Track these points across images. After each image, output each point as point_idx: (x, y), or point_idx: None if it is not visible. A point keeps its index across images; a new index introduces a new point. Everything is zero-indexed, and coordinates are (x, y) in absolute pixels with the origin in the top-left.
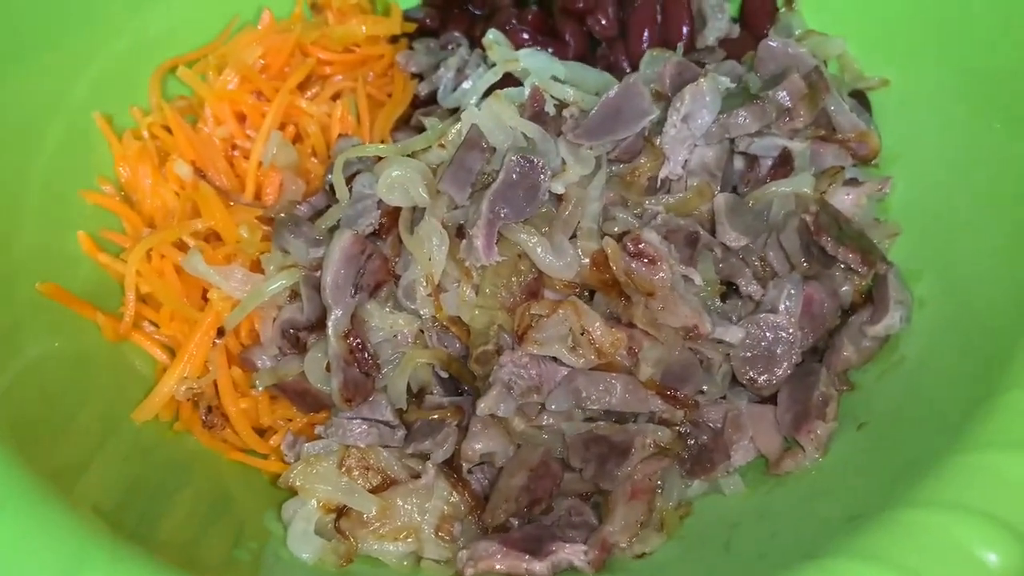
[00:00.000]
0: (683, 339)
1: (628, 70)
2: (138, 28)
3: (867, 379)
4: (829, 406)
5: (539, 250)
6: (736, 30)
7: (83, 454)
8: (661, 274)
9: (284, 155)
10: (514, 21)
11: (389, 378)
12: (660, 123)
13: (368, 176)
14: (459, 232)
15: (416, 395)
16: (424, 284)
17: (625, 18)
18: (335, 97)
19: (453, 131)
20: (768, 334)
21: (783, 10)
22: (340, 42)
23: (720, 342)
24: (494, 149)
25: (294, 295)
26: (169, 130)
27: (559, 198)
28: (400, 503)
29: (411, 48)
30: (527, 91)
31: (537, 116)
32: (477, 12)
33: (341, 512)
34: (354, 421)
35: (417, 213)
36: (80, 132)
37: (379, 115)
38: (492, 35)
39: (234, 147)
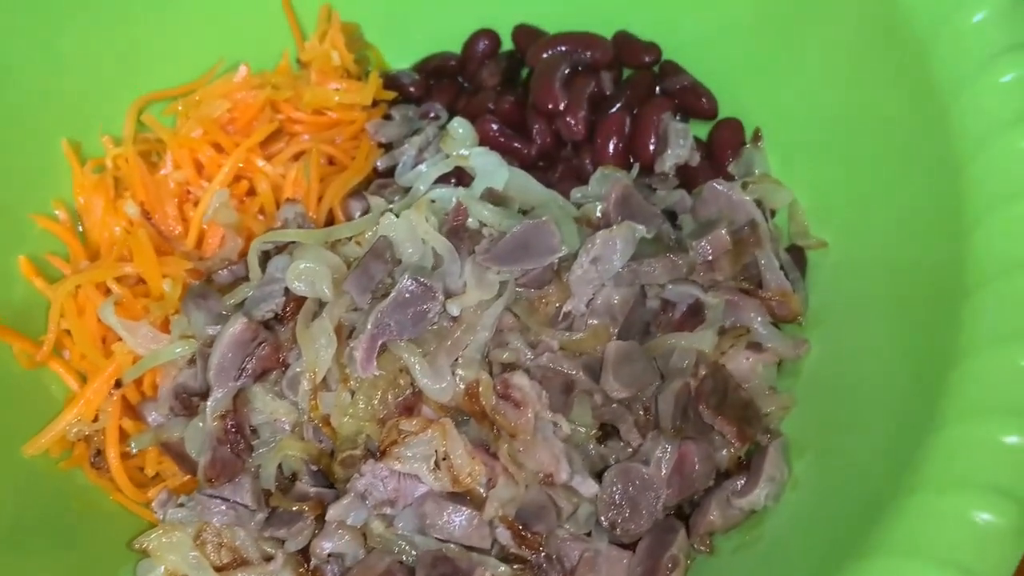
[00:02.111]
0: (540, 483)
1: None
2: (126, 54)
3: (727, 546)
4: (676, 571)
5: (418, 368)
6: (696, 158)
7: None
8: (524, 418)
9: (224, 214)
10: (490, 107)
11: (263, 459)
12: (574, 257)
13: (284, 259)
14: (351, 335)
15: (290, 477)
16: (307, 380)
17: (595, 123)
18: (297, 157)
19: (370, 231)
20: (636, 484)
21: (748, 145)
22: (312, 105)
23: (576, 494)
24: (399, 261)
25: (194, 360)
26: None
27: (455, 319)
28: None
29: (388, 115)
30: (454, 201)
31: (455, 231)
32: (465, 84)
33: None
34: (214, 500)
35: (321, 306)
36: (48, 152)
37: (334, 181)
38: (456, 123)
39: (189, 193)
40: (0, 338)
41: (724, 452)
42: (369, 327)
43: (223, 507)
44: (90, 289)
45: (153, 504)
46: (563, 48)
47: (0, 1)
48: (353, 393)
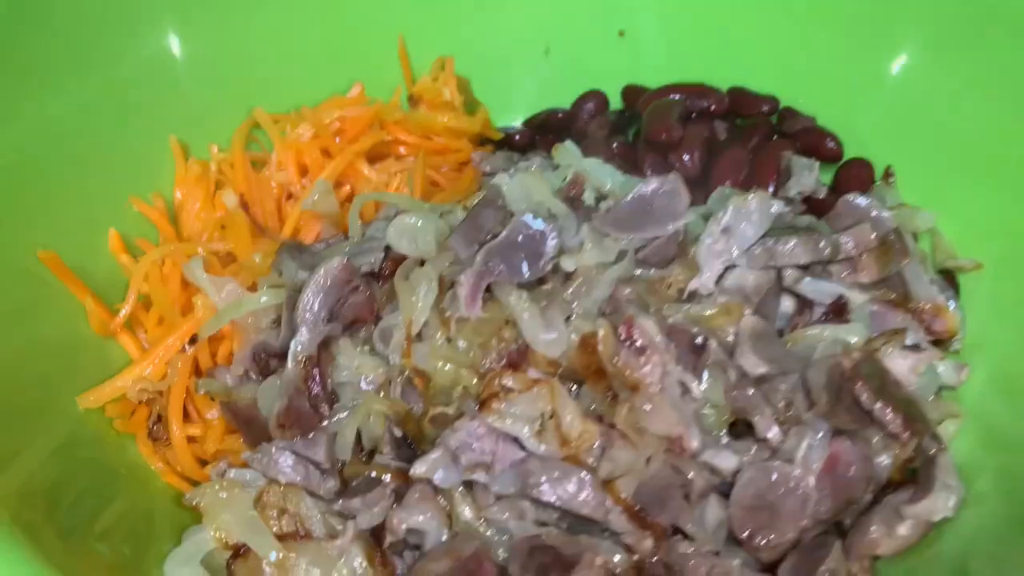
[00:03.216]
0: (665, 452)
1: None
2: (246, 74)
3: (894, 573)
4: None
5: (526, 316)
6: (823, 191)
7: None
8: (649, 367)
9: (325, 202)
10: (600, 146)
11: (341, 424)
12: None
13: (383, 222)
14: (454, 286)
15: (367, 456)
16: (402, 329)
17: (711, 162)
18: (396, 173)
19: (479, 196)
20: (778, 486)
21: (879, 183)
22: (421, 127)
23: (710, 468)
24: (512, 213)
25: (278, 322)
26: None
27: (567, 277)
28: (304, 560)
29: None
30: (568, 176)
31: (572, 200)
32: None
33: (237, 553)
34: (284, 452)
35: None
36: (155, 150)
37: (435, 198)
38: (565, 143)
39: (289, 196)
40: (78, 296)
41: (884, 459)
42: (477, 263)
43: (292, 460)
44: (178, 258)
45: (212, 472)
46: (677, 96)
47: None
48: (451, 340)
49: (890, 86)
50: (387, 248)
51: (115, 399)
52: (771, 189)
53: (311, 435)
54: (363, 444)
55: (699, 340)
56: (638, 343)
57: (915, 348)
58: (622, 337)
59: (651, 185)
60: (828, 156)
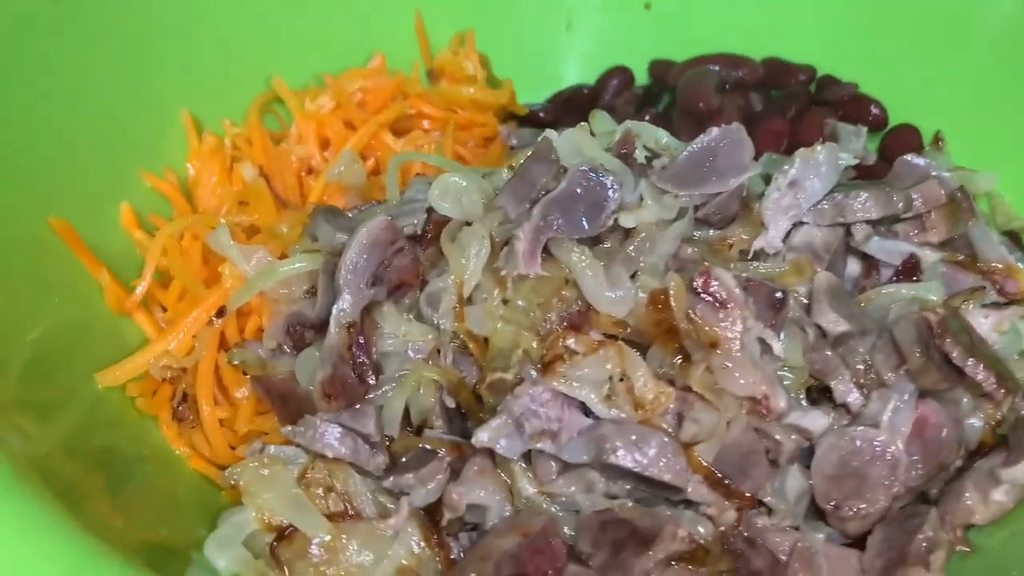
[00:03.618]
0: (747, 414)
1: None
2: (258, 52)
3: (991, 543)
4: (935, 554)
5: (589, 274)
6: (872, 158)
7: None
8: (730, 321)
9: (352, 173)
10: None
11: (387, 398)
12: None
13: (423, 182)
14: (506, 245)
15: (416, 431)
16: (452, 292)
17: (751, 131)
18: (422, 145)
19: (527, 153)
20: (863, 452)
21: (929, 148)
22: (445, 100)
23: (798, 431)
24: (564, 169)
25: (312, 292)
26: (251, 143)
27: (627, 234)
28: (355, 541)
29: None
30: (619, 134)
31: (623, 158)
32: None
33: (282, 534)
34: (330, 424)
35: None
36: (165, 123)
37: None
38: (599, 110)
39: (309, 170)
40: (91, 270)
41: (974, 420)
42: (535, 217)
43: (339, 433)
44: (199, 230)
45: (246, 452)
46: (711, 66)
47: None
48: (507, 301)
49: (935, 51)
50: (429, 210)
51: (137, 377)
52: None
53: (358, 406)
54: (411, 418)
55: (779, 295)
56: (718, 295)
57: (995, 306)
58: (698, 289)
59: (712, 135)
60: (873, 123)
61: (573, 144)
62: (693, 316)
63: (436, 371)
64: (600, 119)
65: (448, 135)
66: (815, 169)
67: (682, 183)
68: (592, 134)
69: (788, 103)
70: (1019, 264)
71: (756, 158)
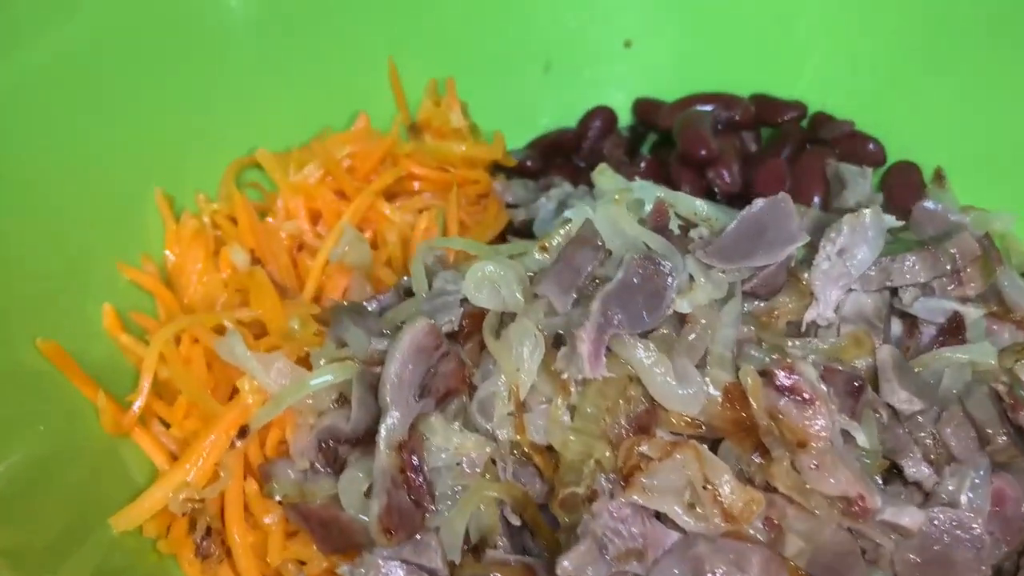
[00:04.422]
0: (840, 515)
1: None
2: (227, 117)
3: None
4: None
5: (658, 372)
6: (879, 198)
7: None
8: (821, 420)
9: (357, 252)
10: (625, 168)
11: (444, 517)
12: (806, 260)
13: (451, 273)
14: (556, 342)
15: (474, 549)
16: (506, 398)
17: (750, 176)
18: (421, 212)
19: (560, 232)
20: (947, 535)
21: (931, 186)
22: (434, 158)
23: (892, 527)
24: (609, 252)
25: (342, 401)
26: (233, 221)
27: (681, 320)
28: None
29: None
30: (648, 205)
31: (659, 231)
32: (582, 164)
33: None
34: (392, 563)
35: (505, 319)
36: (135, 205)
37: (467, 235)
38: (604, 167)
39: (300, 247)
40: (86, 394)
41: None
42: (595, 314)
43: (403, 572)
44: (200, 333)
45: None
46: (703, 107)
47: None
48: (574, 408)
49: (924, 84)
50: (462, 301)
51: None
52: (818, 200)
53: (419, 536)
54: (469, 535)
55: (856, 382)
56: (803, 392)
57: None
58: (781, 386)
59: (760, 206)
60: (871, 161)
61: (611, 222)
62: (778, 415)
63: (500, 488)
64: (607, 176)
65: (451, 201)
66: (863, 235)
67: (729, 257)
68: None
69: (782, 142)
70: None
71: None
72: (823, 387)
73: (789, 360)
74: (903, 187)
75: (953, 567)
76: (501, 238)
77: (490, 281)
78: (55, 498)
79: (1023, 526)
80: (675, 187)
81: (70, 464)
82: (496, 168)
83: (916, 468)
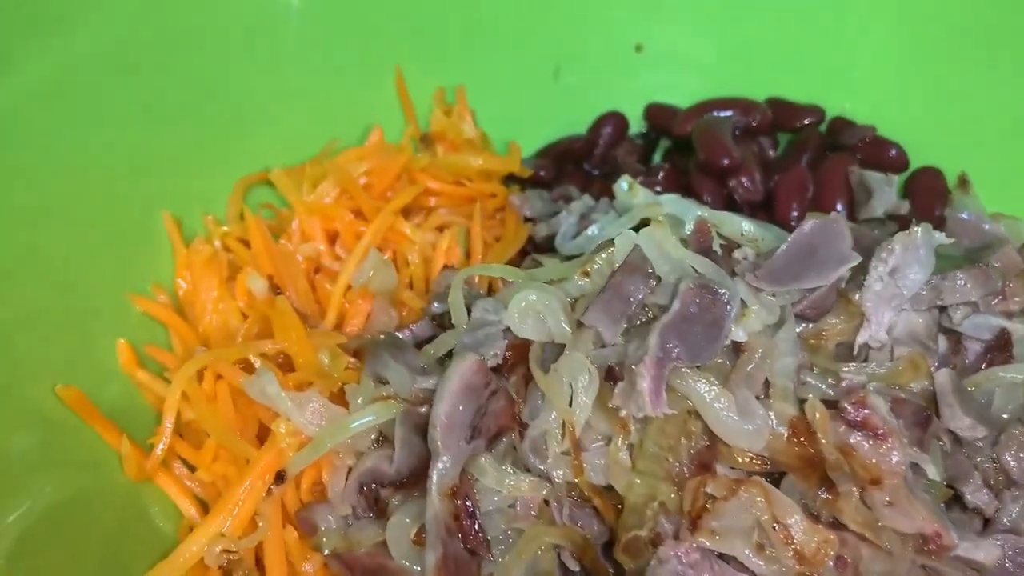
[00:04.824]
0: (914, 552)
1: None
2: (231, 133)
3: None
4: None
5: (719, 407)
6: (905, 206)
7: None
8: (895, 456)
9: (382, 277)
10: (643, 177)
11: (499, 564)
12: (854, 279)
13: (491, 301)
14: (608, 375)
15: None
16: (560, 437)
17: (772, 184)
18: (439, 230)
19: (603, 256)
20: (1009, 561)
21: (955, 191)
22: (451, 172)
23: (966, 563)
24: (659, 278)
25: (382, 441)
26: (246, 244)
27: (736, 350)
28: None
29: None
30: (689, 225)
31: (704, 254)
32: (594, 172)
33: None
34: None
35: (549, 351)
36: (142, 231)
37: (489, 253)
38: (626, 180)
39: (318, 270)
40: (104, 438)
41: None
42: (653, 348)
43: None
44: (224, 369)
45: None
46: (721, 113)
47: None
48: (633, 447)
49: (949, 88)
50: (504, 330)
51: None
52: (840, 208)
53: None
54: None
55: (925, 413)
56: (877, 429)
57: None
58: (852, 420)
59: (810, 227)
60: (893, 167)
61: (656, 246)
62: (850, 451)
63: (558, 533)
64: (633, 189)
65: (476, 219)
66: (915, 254)
67: (779, 280)
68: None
69: (802, 149)
70: None
71: (783, 213)
72: (894, 420)
73: (854, 390)
74: (927, 194)
75: None
76: (522, 254)
77: (534, 311)
78: (81, 549)
79: None
80: (696, 196)
81: (94, 512)
82: (509, 179)
83: (976, 494)
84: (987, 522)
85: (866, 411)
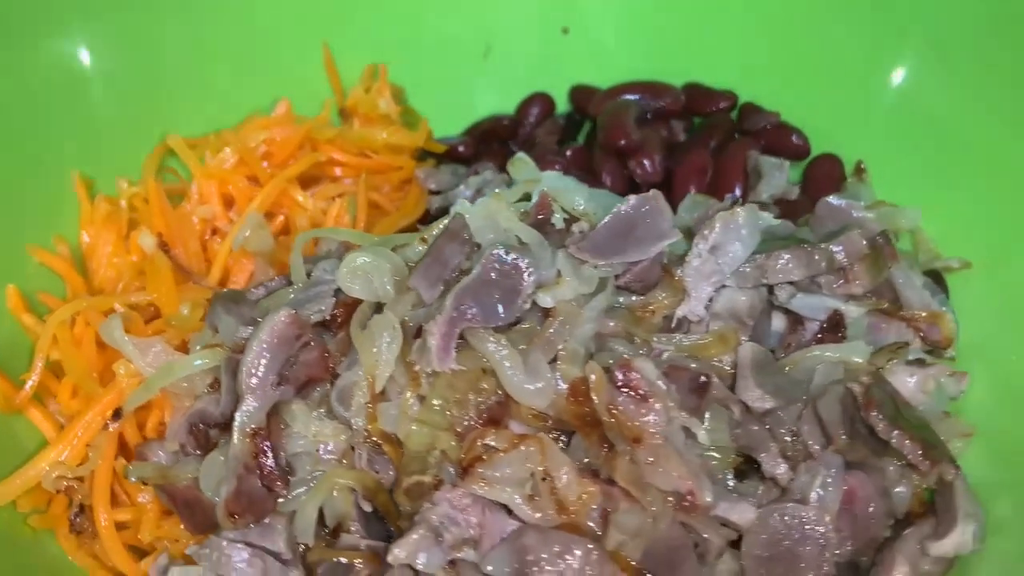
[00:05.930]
0: (674, 509)
1: None
2: (153, 102)
3: None
4: None
5: (507, 365)
6: (795, 191)
7: None
8: (652, 416)
9: (258, 239)
10: (549, 158)
11: (300, 502)
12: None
13: (331, 262)
14: (418, 333)
15: (331, 532)
16: (365, 388)
17: (672, 166)
18: (334, 199)
19: (440, 226)
20: (793, 530)
21: (851, 179)
22: (357, 145)
23: (724, 523)
24: (478, 246)
25: (216, 386)
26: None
27: (546, 314)
28: None
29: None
30: (535, 199)
31: (540, 225)
32: (516, 150)
33: None
34: (236, 546)
35: (378, 312)
36: (53, 188)
37: (381, 223)
38: (520, 155)
39: (214, 231)
40: None
41: (901, 488)
42: (448, 308)
43: (246, 555)
44: (92, 317)
45: (150, 570)
46: (631, 96)
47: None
48: (423, 398)
49: (858, 80)
50: (337, 291)
51: (28, 491)
52: (739, 192)
53: (267, 520)
54: (326, 522)
55: (701, 379)
56: (639, 389)
57: (919, 363)
58: (619, 383)
59: (631, 203)
60: (795, 153)
61: (487, 215)
62: (614, 410)
63: (350, 475)
64: (521, 166)
65: (360, 188)
66: (736, 233)
67: (602, 252)
68: (511, 181)
69: (709, 133)
70: (942, 309)
71: (680, 195)
72: (662, 384)
73: (629, 357)
74: (822, 180)
75: (797, 562)
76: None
77: (363, 272)
78: None
79: (870, 526)
80: (598, 176)
81: None
82: (428, 155)
83: (772, 464)
84: (784, 492)
85: (632, 374)
